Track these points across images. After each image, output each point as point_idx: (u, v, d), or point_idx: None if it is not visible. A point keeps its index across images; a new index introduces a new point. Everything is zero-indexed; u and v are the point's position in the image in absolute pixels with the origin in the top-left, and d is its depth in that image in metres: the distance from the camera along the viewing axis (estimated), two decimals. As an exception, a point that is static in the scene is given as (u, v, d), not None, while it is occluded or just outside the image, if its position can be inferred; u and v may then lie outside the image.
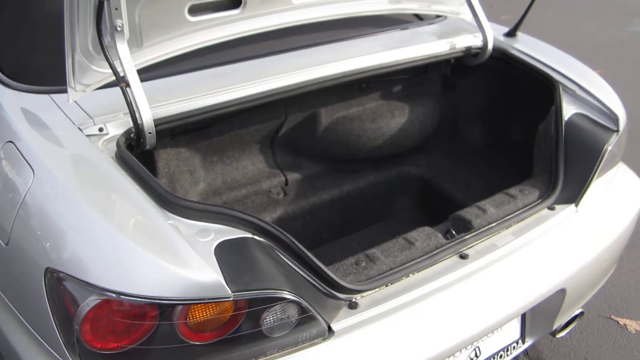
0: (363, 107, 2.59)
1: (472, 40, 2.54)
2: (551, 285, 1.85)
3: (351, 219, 2.67)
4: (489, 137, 2.88)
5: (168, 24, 1.94)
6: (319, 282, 1.55)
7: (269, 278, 1.42)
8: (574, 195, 2.02)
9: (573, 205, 2.00)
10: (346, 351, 1.52)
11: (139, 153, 2.01)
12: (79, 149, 1.74)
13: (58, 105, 1.89)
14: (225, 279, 1.36)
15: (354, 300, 1.60)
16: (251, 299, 1.39)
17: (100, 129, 1.83)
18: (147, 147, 1.85)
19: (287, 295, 1.41)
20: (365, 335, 1.56)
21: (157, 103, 1.90)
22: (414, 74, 2.71)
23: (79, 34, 1.74)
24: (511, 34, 2.63)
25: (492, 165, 2.71)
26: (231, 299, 1.35)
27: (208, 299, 1.34)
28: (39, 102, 1.93)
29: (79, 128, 1.81)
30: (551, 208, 1.98)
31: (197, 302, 1.34)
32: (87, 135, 1.80)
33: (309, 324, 1.50)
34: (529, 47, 2.51)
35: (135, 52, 1.93)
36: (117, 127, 1.84)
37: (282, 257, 1.54)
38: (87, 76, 1.84)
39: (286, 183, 2.58)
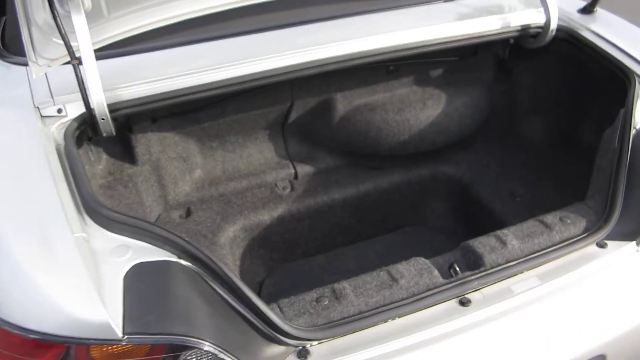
0: (390, 94, 2.19)
1: (534, 17, 2.04)
2: (584, 350, 1.41)
3: (371, 222, 2.31)
4: (550, 136, 2.37)
5: (142, -10, 1.67)
6: (259, 321, 1.24)
7: (180, 319, 1.12)
8: (635, 229, 1.52)
9: (633, 243, 1.51)
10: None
11: (114, 137, 1.79)
12: (23, 134, 1.52)
13: (29, 79, 1.70)
14: (124, 316, 1.09)
15: (307, 347, 1.27)
16: (151, 344, 1.11)
17: (59, 110, 1.61)
18: (104, 134, 1.61)
19: (199, 343, 1.11)
20: (312, 396, 1.23)
21: (121, 84, 1.64)
22: (460, 56, 2.25)
23: (31, 4, 1.53)
24: (588, 10, 2.09)
25: (550, 172, 2.21)
26: (123, 342, 1.07)
27: (94, 340, 1.07)
28: (14, 74, 1.75)
29: (37, 107, 1.60)
30: (601, 245, 1.51)
31: (81, 342, 1.08)
32: (43, 117, 1.60)
33: (238, 375, 1.19)
34: (607, 28, 1.97)
35: (101, 25, 1.67)
36: (79, 109, 1.61)
37: (213, 288, 1.23)
38: (49, 49, 1.62)
39: (295, 176, 2.25)
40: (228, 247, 1.98)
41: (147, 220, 1.27)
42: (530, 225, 1.53)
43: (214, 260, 1.21)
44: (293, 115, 2.15)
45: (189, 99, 1.69)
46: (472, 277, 1.39)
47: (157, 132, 1.94)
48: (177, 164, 2.07)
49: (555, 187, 2.13)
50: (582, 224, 1.54)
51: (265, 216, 2.10)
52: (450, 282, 1.38)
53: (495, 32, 2.01)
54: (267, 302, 2.09)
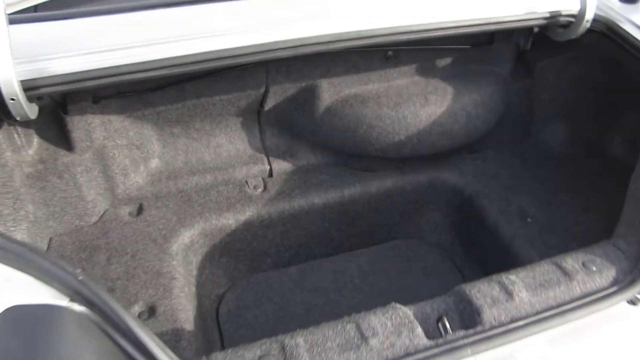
0: (387, 85, 1.84)
1: (566, 3, 1.68)
2: None
3: (355, 232, 1.99)
4: (573, 146, 2.03)
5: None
6: None
7: None
8: None
9: None
10: None
11: (48, 118, 1.47)
12: None
13: None
14: None
15: None
16: None
17: None
18: (17, 118, 1.29)
19: None
20: None
21: (44, 56, 1.32)
22: (473, 43, 1.90)
23: None
24: (632, -2, 1.73)
25: (571, 189, 1.88)
26: None
27: None
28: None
29: None
30: (634, 302, 1.18)
31: None
32: None
33: None
34: (655, 22, 1.61)
35: None
36: None
37: (117, 344, 0.92)
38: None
39: (270, 174, 1.93)
40: (181, 256, 1.67)
41: (32, 245, 0.96)
42: (545, 270, 1.21)
43: (113, 307, 0.89)
44: (270, 102, 1.82)
45: (133, 79, 1.36)
46: (466, 340, 1.07)
47: (100, 115, 1.62)
48: (128, 152, 1.75)
49: (575, 209, 1.80)
50: (610, 272, 1.21)
51: (230, 220, 1.79)
52: (437, 345, 1.07)
53: (517, 18, 1.66)
54: (226, 319, 1.81)
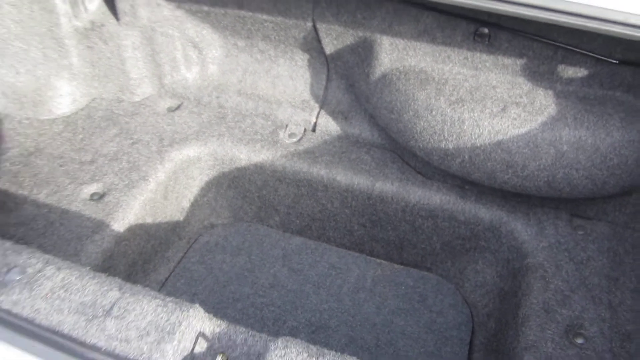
0: (469, 74, 1.33)
1: None
2: None
3: (381, 238, 1.61)
4: None
5: None
6: None
7: None
8: None
9: None
10: None
11: None
12: None
13: None
14: None
15: None
16: None
17: None
18: None
19: None
20: None
21: None
22: (625, 59, 1.22)
23: None
24: None
25: None
26: None
27: None
28: None
29: None
30: None
31: None
32: None
33: None
34: None
35: None
36: None
37: None
38: None
39: (313, 128, 1.64)
40: (174, 166, 1.58)
41: None
42: None
43: None
44: (330, 44, 1.50)
45: None
46: None
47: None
48: (181, 46, 1.67)
49: None
50: None
51: (243, 154, 1.61)
52: None
53: None
54: (196, 248, 1.67)
